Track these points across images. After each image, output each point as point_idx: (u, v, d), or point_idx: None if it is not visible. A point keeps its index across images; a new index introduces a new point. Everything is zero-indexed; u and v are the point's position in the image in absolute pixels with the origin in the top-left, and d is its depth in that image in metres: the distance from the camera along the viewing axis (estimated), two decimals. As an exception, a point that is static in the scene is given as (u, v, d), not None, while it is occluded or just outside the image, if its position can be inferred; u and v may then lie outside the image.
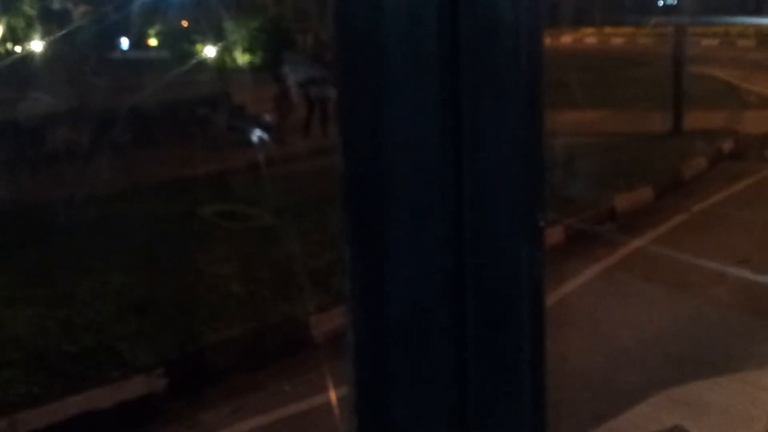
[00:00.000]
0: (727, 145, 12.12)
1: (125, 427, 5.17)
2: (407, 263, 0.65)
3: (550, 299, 6.13)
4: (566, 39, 31.29)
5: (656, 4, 39.63)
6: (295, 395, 5.41)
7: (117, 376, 5.38)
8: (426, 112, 0.63)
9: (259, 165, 10.09)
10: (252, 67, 19.53)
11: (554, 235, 7.76)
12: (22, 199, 9.75)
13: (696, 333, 6.06)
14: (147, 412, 5.25)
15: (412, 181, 0.64)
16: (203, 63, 19.89)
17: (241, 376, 5.64)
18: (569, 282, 6.98)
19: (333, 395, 4.88)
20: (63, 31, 20.71)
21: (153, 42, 27.08)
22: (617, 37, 33.28)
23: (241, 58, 20.18)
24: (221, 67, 19.87)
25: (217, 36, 19.96)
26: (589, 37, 34.05)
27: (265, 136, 12.88)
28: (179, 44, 22.02)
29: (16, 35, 22.11)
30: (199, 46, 20.81)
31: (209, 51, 20.29)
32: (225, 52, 20.13)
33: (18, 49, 21.88)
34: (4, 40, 22.84)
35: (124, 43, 27.49)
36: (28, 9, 21.95)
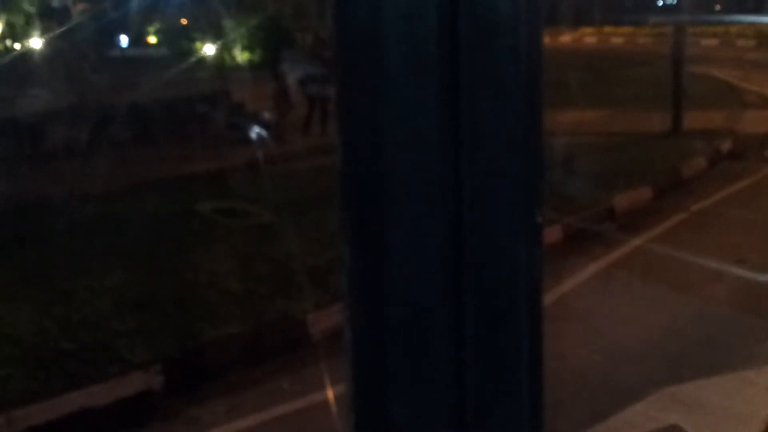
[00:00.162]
0: (726, 145, 12.13)
1: (122, 424, 5.17)
2: (406, 262, 0.65)
3: (549, 298, 6.14)
4: (566, 38, 31.29)
5: (655, 3, 39.66)
6: (293, 393, 5.41)
7: (114, 372, 5.38)
8: (425, 111, 0.63)
9: (258, 163, 10.09)
10: (251, 65, 19.51)
11: (553, 233, 7.77)
12: (20, 196, 9.74)
13: (694, 332, 6.06)
14: (144, 409, 5.25)
15: (410, 180, 0.64)
16: (202, 61, 19.88)
17: (238, 373, 5.64)
18: (568, 280, 6.99)
19: (330, 393, 4.88)
20: (62, 29, 20.69)
21: (152, 40, 27.08)
22: (617, 37, 33.30)
23: (241, 56, 20.16)
24: (220, 64, 19.85)
25: (216, 34, 19.93)
26: (589, 36, 34.05)
27: (264, 133, 12.88)
28: (178, 42, 22.00)
29: (15, 32, 22.08)
30: (198, 44, 20.79)
31: (208, 49, 20.27)
32: (224, 50, 20.10)
33: (17, 46, 21.85)
34: (4, 37, 22.82)
35: (124, 40, 27.47)
36: (28, 6, 21.92)
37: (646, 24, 32.26)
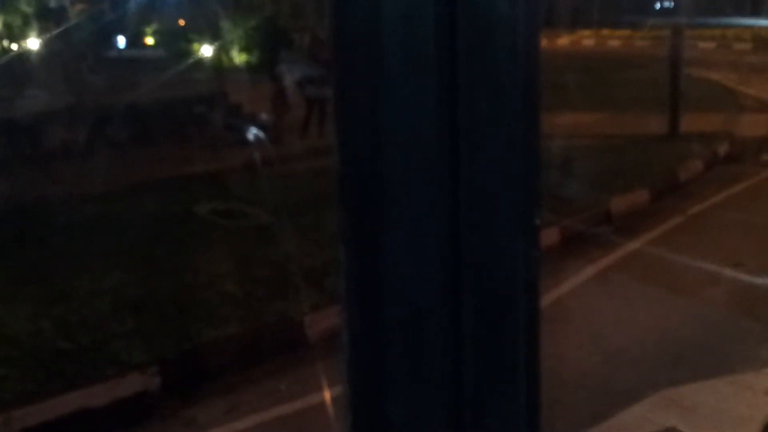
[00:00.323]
0: (724, 148, 12.14)
1: (120, 424, 5.16)
2: (404, 263, 0.65)
3: (547, 299, 6.15)
4: (563, 41, 31.30)
5: (653, 6, 39.71)
6: (291, 394, 5.41)
7: (112, 374, 5.38)
8: (423, 111, 0.63)
9: (256, 164, 10.08)
10: (249, 67, 19.48)
11: (550, 236, 7.77)
12: (18, 196, 9.73)
13: (691, 335, 6.07)
14: (142, 410, 5.24)
15: (408, 181, 0.64)
16: (200, 62, 19.85)
17: (236, 374, 5.64)
18: (565, 282, 6.99)
19: (328, 395, 4.88)
20: (59, 29, 20.66)
21: (150, 41, 27.02)
22: (614, 39, 33.31)
23: (238, 57, 20.13)
24: (218, 66, 19.82)
25: (213, 35, 19.91)
26: (586, 38, 34.06)
27: (262, 135, 12.87)
28: (176, 43, 21.97)
29: (12, 33, 22.05)
30: (195, 45, 20.76)
31: (206, 50, 20.25)
32: (222, 51, 20.08)
33: (14, 46, 21.82)
34: (1, 37, 22.79)
35: (121, 41, 27.43)
36: (25, 6, 21.90)
37: (643, 27, 32.30)
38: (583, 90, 15.66)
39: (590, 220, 8.72)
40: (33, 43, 20.94)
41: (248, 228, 8.19)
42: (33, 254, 7.63)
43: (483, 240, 0.65)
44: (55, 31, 20.62)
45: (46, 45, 20.52)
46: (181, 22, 24.48)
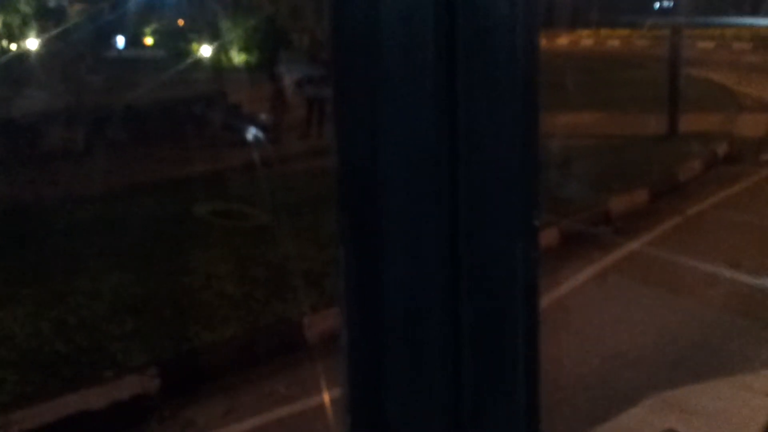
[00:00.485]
0: (723, 148, 12.14)
1: (118, 427, 5.16)
2: (403, 264, 0.65)
3: (546, 300, 6.14)
4: (562, 40, 31.31)
5: (652, 6, 39.72)
6: (289, 396, 5.41)
7: (110, 376, 5.37)
8: (422, 112, 0.63)
9: (255, 164, 10.09)
10: (248, 67, 19.49)
11: (549, 236, 7.77)
12: (16, 197, 9.73)
13: (690, 335, 6.07)
14: (140, 412, 5.24)
15: (408, 182, 0.64)
16: (199, 62, 19.87)
17: (234, 376, 5.63)
18: (564, 283, 6.99)
19: (327, 396, 4.88)
20: (59, 29, 20.66)
21: (149, 41, 27.03)
22: (613, 39, 33.34)
23: (237, 58, 20.13)
24: (217, 66, 19.83)
25: (213, 35, 19.91)
26: (585, 38, 34.08)
27: (261, 135, 12.88)
28: (175, 43, 21.99)
29: (11, 32, 22.05)
30: (195, 45, 20.78)
31: (205, 50, 20.26)
32: (221, 51, 20.09)
33: (13, 46, 21.82)
34: (0, 37, 22.79)
35: (120, 41, 27.43)
36: (24, 6, 21.89)
37: (642, 26, 32.32)
38: (582, 90, 15.67)
39: (589, 220, 8.72)
40: (32, 43, 20.94)
41: (247, 228, 8.19)
42: (31, 255, 7.62)
43: (482, 241, 0.65)
44: (54, 31, 20.62)
45: (45, 45, 20.53)
46: (180, 22, 24.49)
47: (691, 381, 5.23)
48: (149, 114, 13.40)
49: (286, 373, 5.66)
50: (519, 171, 0.66)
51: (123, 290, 6.70)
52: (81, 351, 5.71)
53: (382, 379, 0.66)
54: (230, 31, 19.63)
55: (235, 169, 10.38)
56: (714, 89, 18.02)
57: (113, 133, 12.63)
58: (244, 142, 12.59)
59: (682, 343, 5.94)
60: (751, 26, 30.07)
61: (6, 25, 21.85)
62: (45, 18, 22.08)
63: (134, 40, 26.99)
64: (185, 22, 24.07)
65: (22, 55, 20.58)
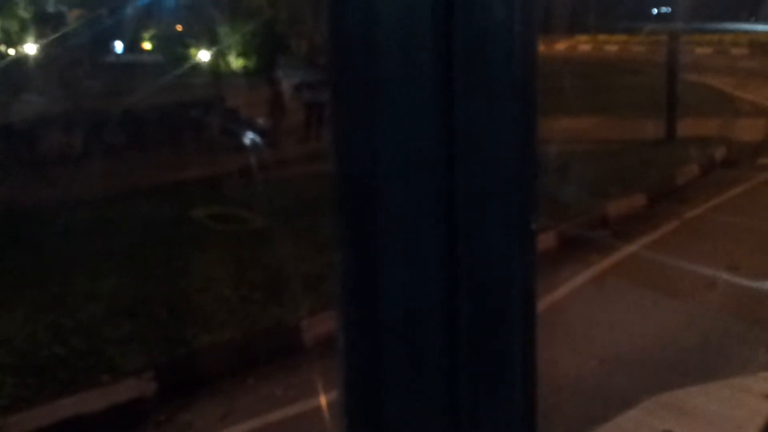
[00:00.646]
0: (720, 153, 12.17)
1: (115, 430, 5.15)
2: (400, 267, 0.65)
3: (543, 304, 6.14)
4: (560, 46, 31.36)
5: (650, 11, 39.81)
6: (286, 399, 5.40)
7: (107, 379, 5.37)
8: (420, 116, 0.63)
9: (252, 169, 10.09)
10: (246, 71, 19.51)
11: (547, 240, 7.77)
12: (14, 201, 9.72)
13: (688, 338, 6.07)
14: (138, 415, 5.23)
15: (405, 185, 0.64)
16: (197, 67, 19.88)
17: (231, 379, 5.63)
18: (562, 287, 6.99)
19: (324, 399, 4.88)
20: (57, 34, 20.68)
21: (147, 46, 27.06)
22: (611, 45, 33.42)
23: (235, 62, 20.16)
24: (215, 70, 19.86)
25: (211, 40, 19.93)
26: (583, 44, 34.15)
27: (259, 139, 12.88)
28: (173, 48, 22.00)
29: (10, 38, 22.06)
30: (193, 50, 20.80)
31: (203, 55, 20.28)
32: (219, 56, 20.11)
33: (12, 51, 21.83)
34: (-2, 42, 22.80)
35: (118, 46, 27.46)
36: (23, 12, 21.91)
37: (640, 32, 32.40)
38: (580, 95, 15.69)
39: (587, 224, 8.73)
40: (30, 48, 20.96)
41: (245, 232, 8.19)
42: (29, 258, 7.62)
43: (479, 244, 0.65)
44: (53, 36, 20.64)
45: (43, 50, 20.54)
46: (179, 28, 24.51)
47: (689, 383, 5.23)
48: (147, 118, 13.40)
49: (284, 376, 5.66)
50: (517, 173, 0.66)
51: (120, 293, 6.69)
52: (78, 354, 5.71)
53: (379, 381, 0.66)
54: (228, 36, 19.65)
55: (232, 173, 10.38)
56: (712, 94, 18.06)
57: (111, 138, 12.62)
58: (242, 146, 12.60)
59: (680, 346, 5.94)
60: (749, 32, 30.13)
61: (5, 30, 21.87)
62: (43, 23, 22.11)
63: (132, 45, 27.01)
64: (183, 27, 24.09)
65: (21, 60, 20.60)
